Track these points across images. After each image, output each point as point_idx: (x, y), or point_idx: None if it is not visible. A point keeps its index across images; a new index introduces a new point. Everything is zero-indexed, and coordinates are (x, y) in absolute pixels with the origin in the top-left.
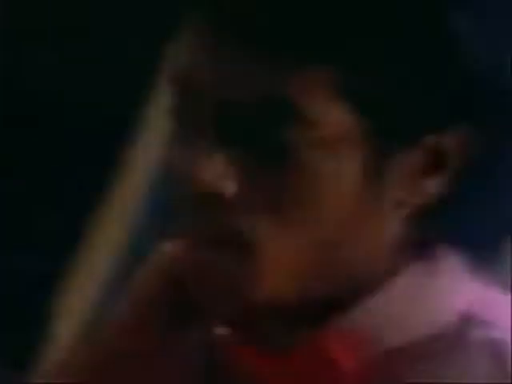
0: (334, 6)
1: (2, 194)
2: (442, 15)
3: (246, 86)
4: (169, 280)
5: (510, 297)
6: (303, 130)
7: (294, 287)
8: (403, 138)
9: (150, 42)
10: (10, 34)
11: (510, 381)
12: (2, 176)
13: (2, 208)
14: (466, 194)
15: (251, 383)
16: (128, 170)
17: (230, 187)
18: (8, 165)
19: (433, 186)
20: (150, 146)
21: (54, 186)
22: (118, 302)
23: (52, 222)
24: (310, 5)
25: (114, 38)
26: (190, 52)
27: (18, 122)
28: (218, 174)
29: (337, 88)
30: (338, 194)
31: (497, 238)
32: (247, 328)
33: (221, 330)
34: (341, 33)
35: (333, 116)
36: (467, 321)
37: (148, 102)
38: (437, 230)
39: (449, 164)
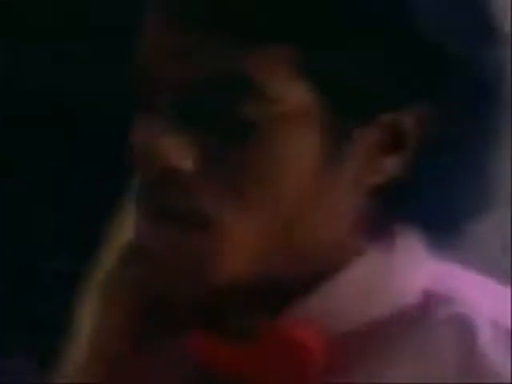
0: None
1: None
2: None
3: (205, 64)
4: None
5: (471, 274)
6: (262, 107)
7: (256, 267)
8: (361, 115)
9: None
10: (10, 33)
11: (475, 355)
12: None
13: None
14: (424, 173)
15: (226, 378)
16: None
17: (188, 164)
18: (8, 165)
19: (391, 164)
20: None
21: (54, 185)
22: None
23: (60, 222)
24: None
25: (114, 37)
26: (147, 34)
27: (18, 122)
28: (177, 151)
29: (297, 66)
30: (297, 171)
31: (456, 216)
32: (211, 315)
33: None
34: (299, 11)
35: (292, 93)
36: (431, 298)
37: None
38: (396, 209)
39: (407, 143)
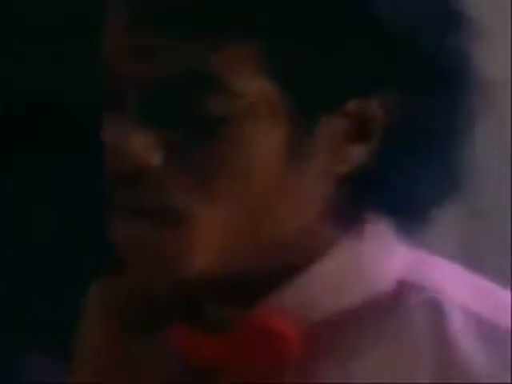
0: None
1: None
2: None
3: (169, 62)
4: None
5: (442, 260)
6: (227, 102)
7: (226, 261)
8: (325, 106)
9: None
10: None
11: (447, 341)
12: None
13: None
14: (389, 160)
15: (207, 371)
16: None
17: (157, 161)
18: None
19: (358, 153)
20: None
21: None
22: None
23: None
24: None
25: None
26: (110, 33)
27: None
28: (145, 148)
29: (259, 62)
30: (264, 164)
31: (421, 202)
32: (187, 309)
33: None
34: (260, 7)
35: (256, 88)
36: (403, 286)
37: None
38: (364, 197)
39: (373, 131)
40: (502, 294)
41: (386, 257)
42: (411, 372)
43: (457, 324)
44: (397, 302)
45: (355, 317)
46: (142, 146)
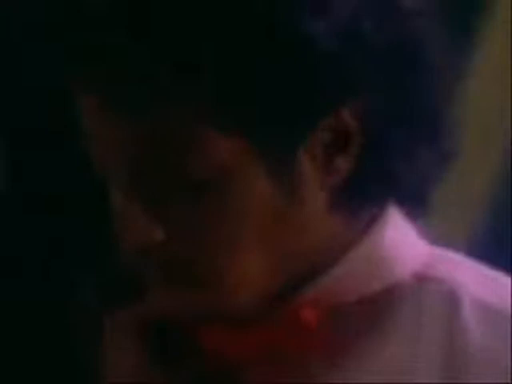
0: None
1: None
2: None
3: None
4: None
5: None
6: (203, 161)
7: (260, 293)
8: (298, 139)
9: None
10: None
11: (462, 328)
12: None
13: None
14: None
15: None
16: None
17: (158, 235)
18: None
19: (344, 162)
20: None
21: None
22: None
23: None
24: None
25: None
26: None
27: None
28: (143, 227)
29: (222, 121)
30: (259, 208)
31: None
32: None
33: None
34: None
35: (226, 144)
36: (421, 277)
37: None
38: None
39: (351, 140)
40: (509, 284)
41: (405, 248)
42: (423, 358)
43: (470, 314)
44: (414, 293)
45: (374, 305)
46: (141, 227)
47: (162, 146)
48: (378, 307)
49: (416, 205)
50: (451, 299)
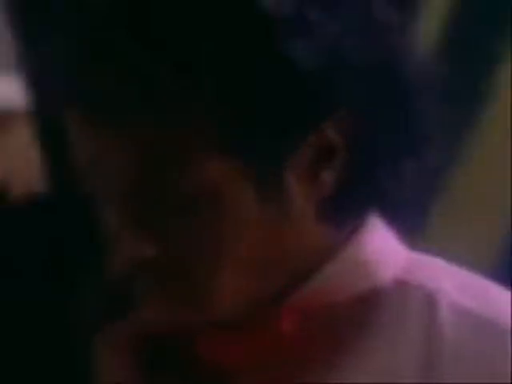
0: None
1: None
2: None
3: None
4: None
5: (436, 259)
6: (193, 180)
7: (246, 302)
8: (285, 153)
9: None
10: None
11: (440, 333)
12: None
13: None
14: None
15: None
16: None
17: (149, 252)
18: None
19: (330, 175)
20: None
21: None
22: None
23: None
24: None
25: None
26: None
27: None
28: (134, 244)
29: (210, 140)
30: (244, 221)
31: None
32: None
33: None
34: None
35: (214, 162)
36: (402, 282)
37: None
38: (356, 198)
39: (337, 153)
40: (492, 289)
41: (387, 254)
42: (404, 359)
43: (447, 318)
44: (395, 296)
45: (351, 310)
46: (134, 241)
47: (153, 164)
48: (362, 310)
49: (401, 215)
50: (429, 303)
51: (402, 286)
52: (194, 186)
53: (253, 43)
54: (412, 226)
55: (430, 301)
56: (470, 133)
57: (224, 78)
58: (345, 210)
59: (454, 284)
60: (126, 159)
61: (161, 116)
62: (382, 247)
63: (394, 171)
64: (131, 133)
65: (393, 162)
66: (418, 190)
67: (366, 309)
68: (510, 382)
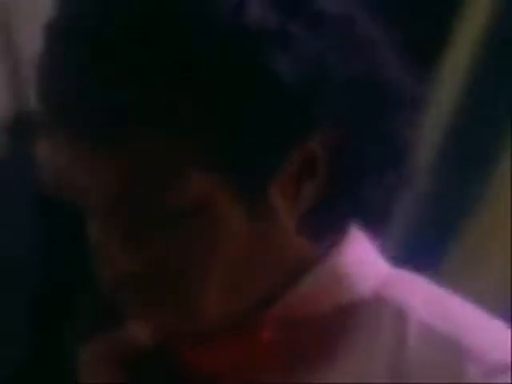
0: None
1: None
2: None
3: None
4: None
5: (412, 275)
6: (177, 195)
7: (228, 312)
8: (269, 169)
9: None
10: None
11: (407, 347)
12: None
13: None
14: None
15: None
16: None
17: (135, 263)
18: None
19: (313, 187)
20: None
21: None
22: None
23: None
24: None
25: None
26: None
27: None
28: (120, 256)
29: (196, 153)
30: (230, 235)
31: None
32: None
33: None
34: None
35: (201, 177)
36: (376, 296)
37: None
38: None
39: (320, 167)
40: (455, 305)
41: (367, 267)
42: (374, 368)
43: (415, 335)
44: (371, 310)
45: (330, 320)
46: (120, 255)
47: (139, 178)
48: (341, 320)
49: (381, 226)
50: (400, 318)
51: (378, 299)
52: (180, 199)
53: (238, 56)
54: (394, 239)
55: (401, 315)
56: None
57: (211, 92)
58: (326, 223)
59: (425, 301)
60: (113, 171)
61: (149, 130)
62: (362, 260)
63: (376, 183)
64: (118, 146)
65: (375, 175)
66: (400, 202)
67: (344, 319)
68: None
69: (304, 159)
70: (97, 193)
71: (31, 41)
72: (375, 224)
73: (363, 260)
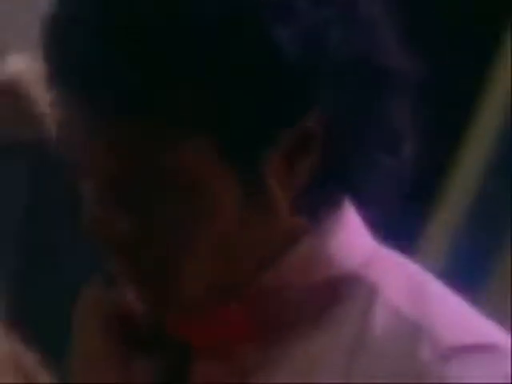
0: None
1: None
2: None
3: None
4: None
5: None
6: (177, 167)
7: (214, 287)
8: (265, 143)
9: None
10: None
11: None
12: None
13: None
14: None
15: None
16: None
17: (125, 226)
18: None
19: (309, 163)
20: None
21: None
22: None
23: None
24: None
25: None
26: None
27: None
28: (111, 218)
29: (188, 119)
30: (223, 211)
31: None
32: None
33: None
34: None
35: (194, 144)
36: (355, 278)
37: None
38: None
39: (315, 144)
40: (437, 295)
41: (349, 247)
42: (333, 347)
43: (381, 317)
44: (343, 291)
45: (303, 298)
46: (111, 219)
47: (137, 150)
48: (314, 299)
49: (375, 207)
50: (369, 300)
51: (353, 279)
52: (179, 174)
53: (239, 29)
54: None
55: (371, 297)
56: None
57: (211, 64)
58: (318, 201)
59: (399, 282)
60: (113, 139)
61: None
62: (347, 240)
63: (369, 165)
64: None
65: (369, 156)
66: (392, 184)
67: (318, 298)
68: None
69: (300, 136)
70: (95, 163)
71: None
72: (368, 204)
73: (348, 241)
